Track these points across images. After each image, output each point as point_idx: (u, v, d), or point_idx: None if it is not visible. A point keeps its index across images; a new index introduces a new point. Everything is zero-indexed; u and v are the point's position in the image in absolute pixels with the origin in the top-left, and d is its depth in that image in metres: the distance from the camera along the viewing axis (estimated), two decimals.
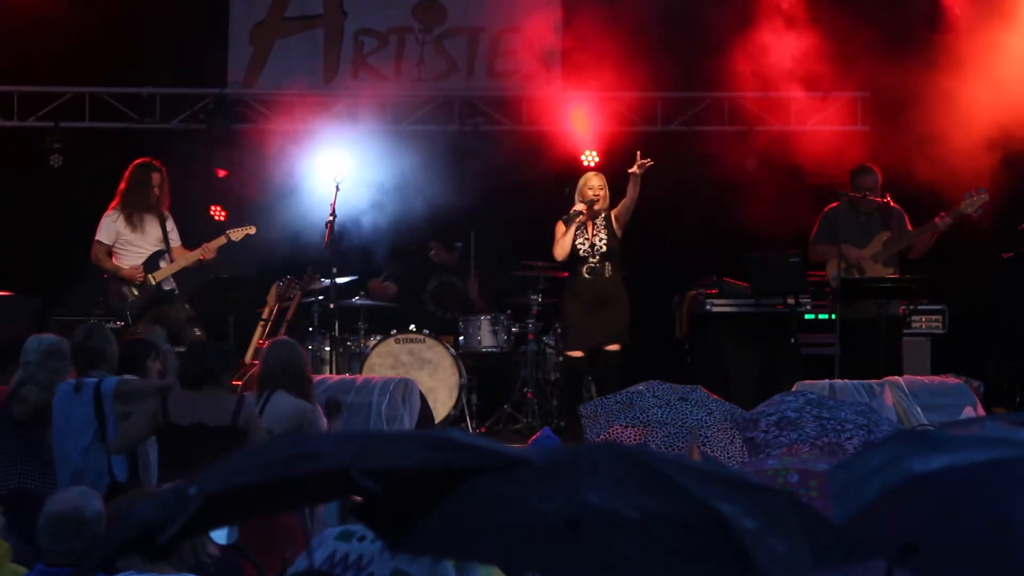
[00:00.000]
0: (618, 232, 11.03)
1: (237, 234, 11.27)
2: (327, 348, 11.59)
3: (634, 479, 2.72)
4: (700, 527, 2.66)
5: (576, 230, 11.01)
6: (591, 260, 11.01)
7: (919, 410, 9.58)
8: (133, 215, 11.02)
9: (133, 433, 7.44)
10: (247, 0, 13.23)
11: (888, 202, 11.23)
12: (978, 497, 2.95)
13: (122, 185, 11.05)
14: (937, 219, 11.17)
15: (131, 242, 11.07)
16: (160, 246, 11.12)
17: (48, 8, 12.38)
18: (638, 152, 10.87)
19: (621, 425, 7.58)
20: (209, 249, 11.15)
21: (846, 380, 9.97)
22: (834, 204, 11.36)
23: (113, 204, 11.07)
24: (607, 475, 2.72)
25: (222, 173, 12.58)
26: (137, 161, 11.11)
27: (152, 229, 11.10)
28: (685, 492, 2.70)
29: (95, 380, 7.65)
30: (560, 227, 11.07)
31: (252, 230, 11.32)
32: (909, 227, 11.31)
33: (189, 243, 11.25)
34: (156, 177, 11.06)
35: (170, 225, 11.17)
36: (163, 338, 9.02)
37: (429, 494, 2.75)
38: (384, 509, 2.79)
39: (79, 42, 12.66)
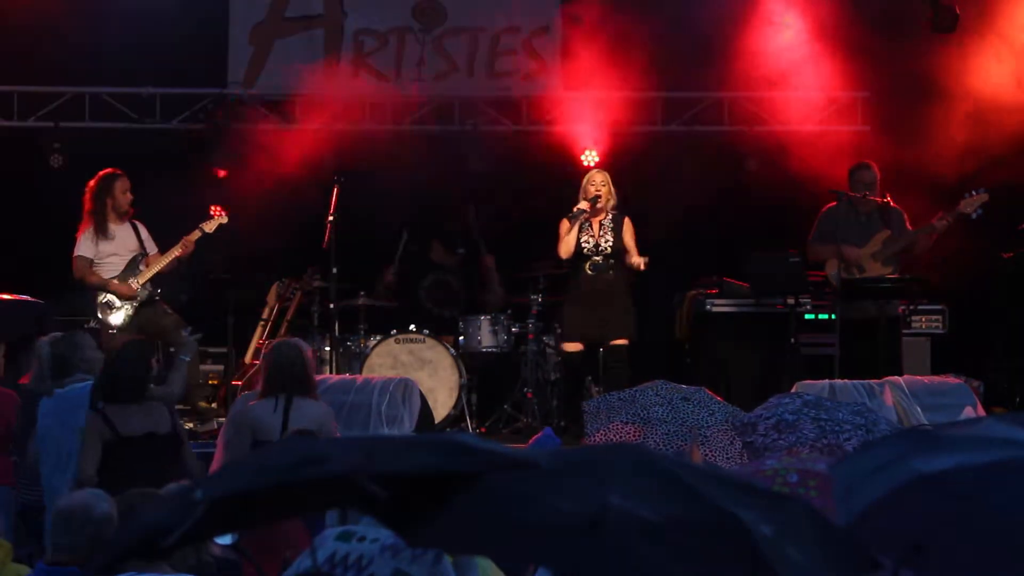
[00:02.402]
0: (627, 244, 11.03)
1: (210, 225, 11.21)
2: (327, 348, 11.58)
3: (654, 482, 2.72)
4: (719, 532, 2.66)
5: (581, 228, 11.00)
6: (595, 258, 11.00)
7: (919, 410, 9.57)
8: (106, 228, 10.99)
9: (92, 457, 7.25)
10: (247, 0, 13.24)
11: (888, 202, 11.23)
12: (985, 498, 2.95)
13: (88, 203, 10.98)
14: (935, 220, 11.17)
15: (109, 253, 11.04)
16: (136, 252, 11.09)
17: (48, 8, 12.38)
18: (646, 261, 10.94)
19: (621, 422, 7.59)
20: (186, 244, 11.09)
21: (846, 380, 9.97)
22: (832, 204, 11.36)
23: (84, 225, 11.02)
24: (627, 477, 2.72)
25: (222, 173, 12.58)
26: (100, 173, 11.04)
27: (127, 238, 11.07)
28: (704, 497, 2.70)
29: (83, 385, 7.60)
30: (564, 224, 11.02)
31: (224, 219, 11.24)
32: (909, 226, 11.30)
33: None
34: (120, 185, 11.00)
35: (144, 232, 11.13)
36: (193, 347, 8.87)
37: (446, 491, 2.75)
38: (399, 505, 2.79)
39: (79, 42, 12.65)
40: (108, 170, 11.03)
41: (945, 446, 3.08)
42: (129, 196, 11.01)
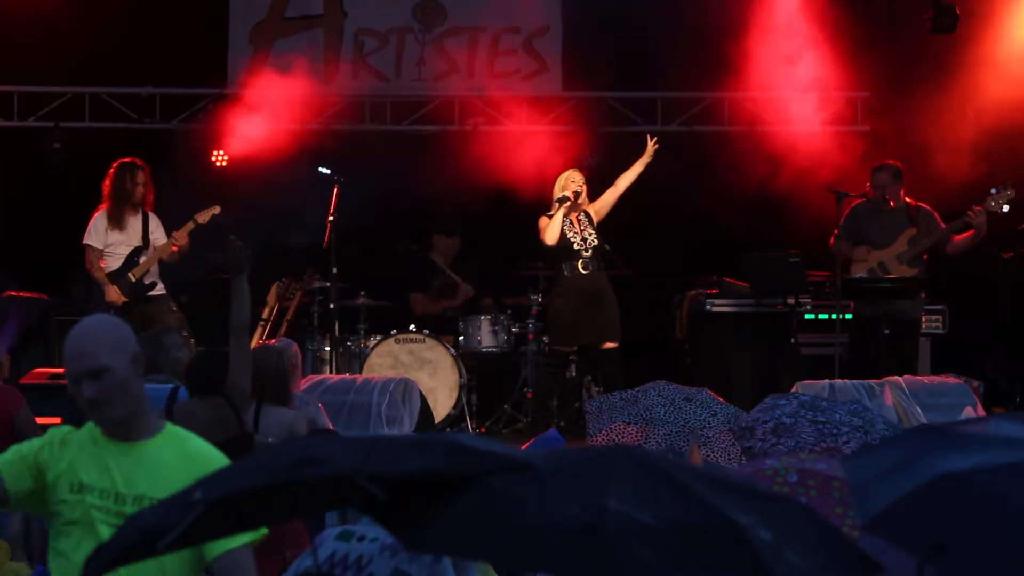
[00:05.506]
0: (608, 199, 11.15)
1: (203, 216, 11.16)
2: (327, 348, 11.58)
3: (652, 485, 2.71)
4: (717, 536, 2.65)
5: (564, 221, 11.02)
6: (585, 255, 11.02)
7: (919, 410, 9.56)
8: (120, 216, 11.00)
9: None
10: (247, 0, 13.24)
11: (909, 202, 10.97)
12: (1007, 498, 2.93)
13: (107, 188, 11.01)
14: (970, 212, 10.77)
15: (117, 243, 11.05)
16: (140, 244, 11.09)
17: (48, 8, 12.38)
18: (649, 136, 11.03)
19: (623, 422, 7.58)
20: (179, 237, 11.08)
21: (846, 380, 9.96)
22: (858, 202, 11.16)
23: (101, 207, 11.05)
24: (625, 480, 2.71)
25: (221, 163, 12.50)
26: (120, 161, 11.07)
27: (136, 229, 11.08)
28: (702, 501, 2.69)
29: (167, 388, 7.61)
30: (543, 220, 11.09)
31: (217, 210, 11.17)
32: (942, 226, 10.93)
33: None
34: (140, 176, 11.02)
35: (154, 224, 11.13)
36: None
37: (444, 493, 2.75)
38: (397, 507, 2.79)
39: (79, 42, 12.65)
40: (127, 159, 11.06)
41: (966, 445, 3.05)
42: (142, 188, 11.01)
